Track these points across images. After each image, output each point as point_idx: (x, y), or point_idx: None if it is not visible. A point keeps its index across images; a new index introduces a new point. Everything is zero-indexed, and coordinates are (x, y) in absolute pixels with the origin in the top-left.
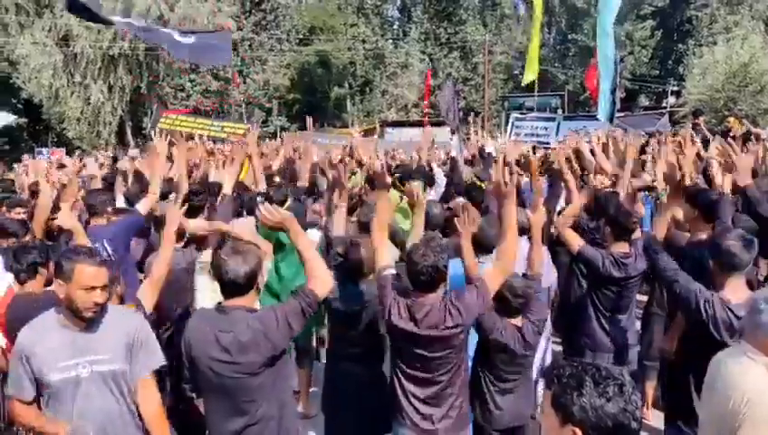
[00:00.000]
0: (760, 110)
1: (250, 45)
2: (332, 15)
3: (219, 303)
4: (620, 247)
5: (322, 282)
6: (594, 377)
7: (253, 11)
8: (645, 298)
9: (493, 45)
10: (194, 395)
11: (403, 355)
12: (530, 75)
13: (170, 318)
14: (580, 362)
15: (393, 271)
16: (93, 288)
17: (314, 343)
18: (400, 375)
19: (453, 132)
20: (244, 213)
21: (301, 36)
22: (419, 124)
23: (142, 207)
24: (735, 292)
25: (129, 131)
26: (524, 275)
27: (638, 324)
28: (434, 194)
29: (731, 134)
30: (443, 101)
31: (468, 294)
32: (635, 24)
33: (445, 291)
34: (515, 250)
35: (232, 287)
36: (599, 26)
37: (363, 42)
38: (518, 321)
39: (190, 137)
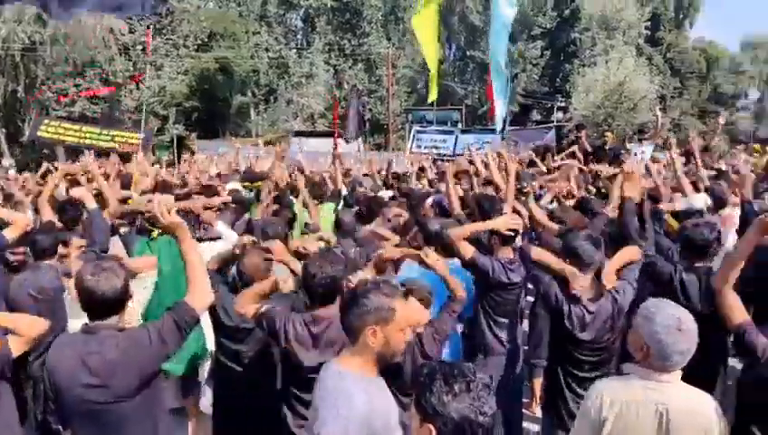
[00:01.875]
0: (634, 125)
1: (143, 49)
2: (233, 22)
3: (86, 323)
4: (506, 253)
5: (201, 295)
6: (445, 376)
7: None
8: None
9: (396, 59)
10: (60, 428)
11: (298, 378)
12: (433, 93)
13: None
14: (439, 363)
15: (268, 305)
16: None
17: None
18: (294, 401)
19: (346, 142)
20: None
21: (200, 42)
22: (326, 135)
23: (9, 232)
24: (583, 288)
25: (2, 140)
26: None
27: (525, 325)
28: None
29: (606, 147)
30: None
31: None
32: (526, 43)
33: None
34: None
35: (99, 306)
36: (490, 48)
37: (267, 50)
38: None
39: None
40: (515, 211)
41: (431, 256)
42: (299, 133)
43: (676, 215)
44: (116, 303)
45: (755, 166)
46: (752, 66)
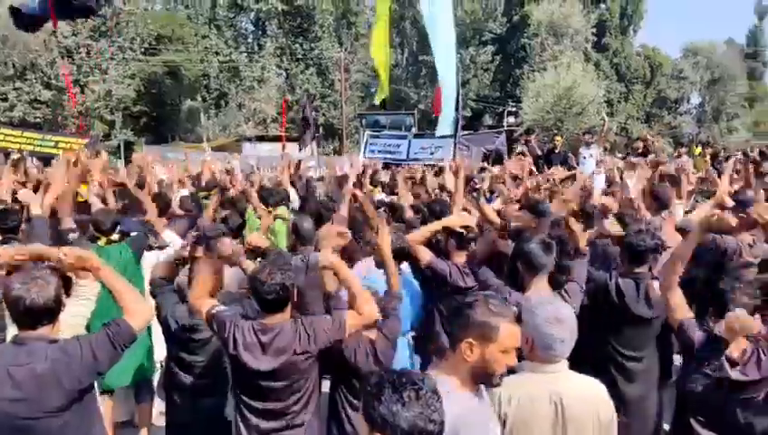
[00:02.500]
0: (582, 129)
1: (88, 53)
2: (182, 25)
3: (16, 334)
4: (461, 258)
5: (138, 314)
6: (394, 384)
7: (90, 15)
8: None
9: (349, 63)
10: None
11: (247, 386)
12: (381, 96)
13: None
14: (386, 371)
15: (221, 306)
16: None
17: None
18: (244, 409)
19: (300, 147)
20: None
21: (147, 45)
22: (279, 139)
23: None
24: (539, 291)
25: None
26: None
27: None
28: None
29: (556, 151)
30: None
31: (324, 322)
32: (478, 48)
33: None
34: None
35: (29, 317)
36: (435, 53)
37: (216, 54)
38: (372, 333)
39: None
40: (466, 211)
41: (386, 248)
42: (251, 138)
43: (621, 220)
44: (47, 313)
45: (696, 168)
46: (693, 72)
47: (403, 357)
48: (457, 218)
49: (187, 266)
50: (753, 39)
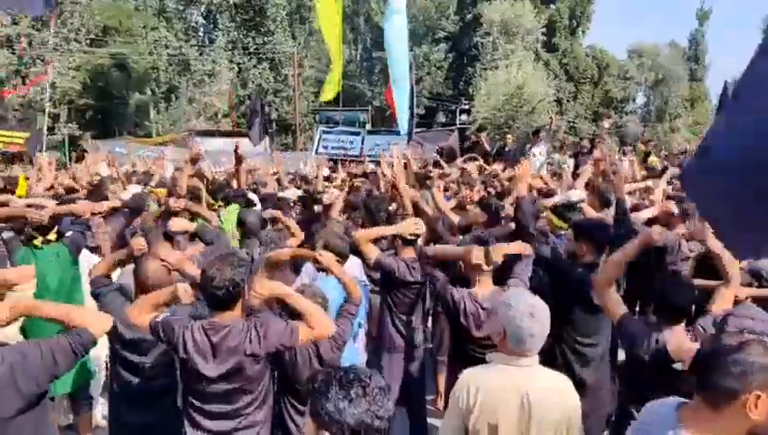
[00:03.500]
0: (533, 127)
1: (30, 43)
2: (129, 17)
3: None
4: (409, 253)
5: (98, 323)
6: (341, 381)
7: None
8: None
9: (303, 58)
10: None
11: (198, 390)
12: (329, 93)
13: None
14: (334, 368)
15: (167, 313)
16: None
17: None
18: (193, 412)
19: (253, 142)
20: None
21: (93, 36)
22: (231, 134)
23: None
24: (483, 287)
25: None
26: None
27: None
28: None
29: (506, 149)
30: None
31: (275, 323)
32: (431, 46)
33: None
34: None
35: None
36: (388, 50)
37: (166, 47)
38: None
39: None
40: (417, 210)
41: (326, 256)
42: (202, 133)
43: (555, 210)
44: None
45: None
46: (638, 73)
47: (352, 359)
48: (408, 226)
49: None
50: (694, 42)
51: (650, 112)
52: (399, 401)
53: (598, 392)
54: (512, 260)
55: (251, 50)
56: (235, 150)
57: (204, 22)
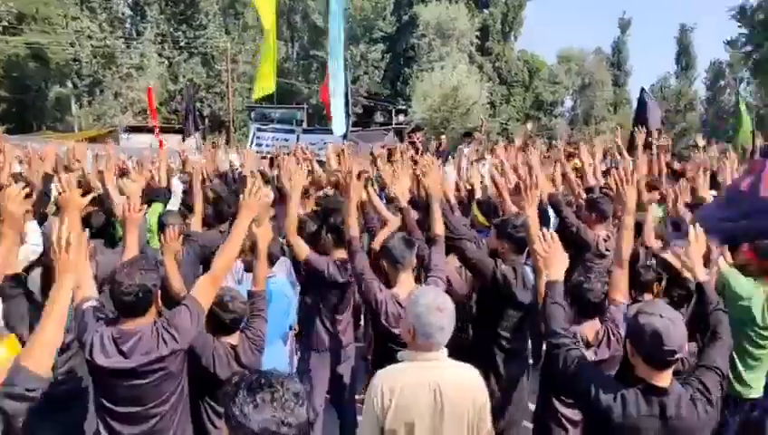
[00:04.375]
0: (467, 128)
1: None
2: (47, 4)
3: None
4: (341, 253)
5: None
6: (249, 386)
7: None
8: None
9: (237, 54)
10: None
11: (110, 392)
12: (261, 90)
13: None
14: (251, 372)
15: (95, 302)
16: None
17: None
18: (107, 417)
19: (184, 139)
20: None
21: (6, 24)
22: (161, 130)
23: None
24: (403, 286)
25: None
26: (249, 292)
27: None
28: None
29: (440, 149)
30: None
31: (180, 315)
32: (368, 46)
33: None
34: (228, 262)
35: None
36: (330, 48)
37: (89, 37)
38: (234, 338)
39: None
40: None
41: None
42: (129, 129)
43: (480, 206)
44: None
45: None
46: (566, 77)
47: (281, 359)
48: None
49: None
50: (617, 49)
51: (578, 115)
52: (330, 400)
53: (517, 387)
54: (429, 257)
55: (182, 44)
56: (160, 145)
57: (131, 13)
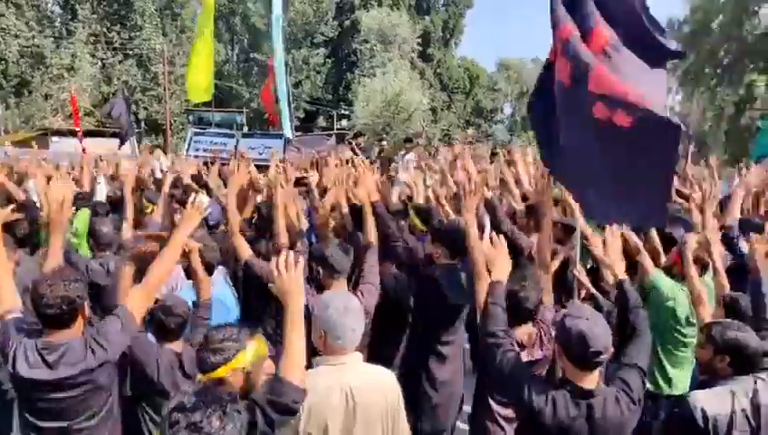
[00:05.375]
0: (409, 134)
1: None
2: None
3: None
4: None
5: None
6: (169, 417)
7: None
8: None
9: (174, 56)
10: None
11: (34, 406)
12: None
13: None
14: (191, 393)
15: (18, 314)
16: None
17: None
18: (31, 433)
19: (121, 143)
20: None
21: None
22: (94, 134)
23: None
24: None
25: None
26: (194, 302)
27: None
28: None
29: (381, 154)
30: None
31: (111, 325)
32: (310, 50)
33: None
34: (164, 272)
35: None
36: (274, 52)
37: (16, 36)
38: (178, 346)
39: None
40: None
41: (191, 242)
42: (60, 132)
43: (419, 212)
44: None
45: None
46: (505, 85)
47: None
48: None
49: None
50: None
51: (516, 122)
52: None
53: (452, 386)
54: (361, 264)
55: (116, 45)
56: (83, 151)
57: (61, 12)
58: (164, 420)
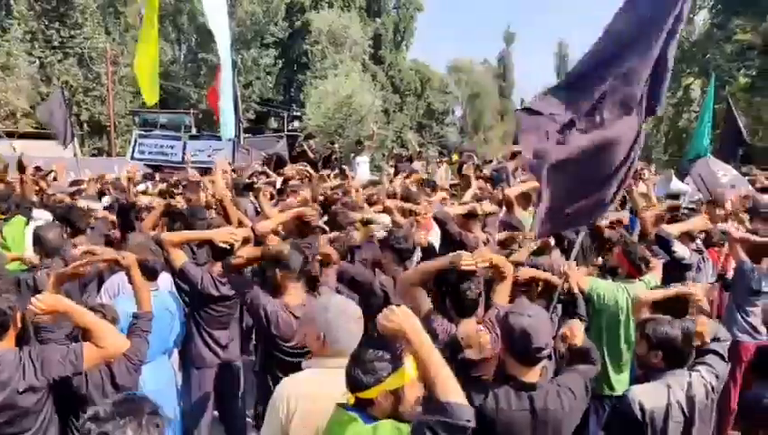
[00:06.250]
0: (361, 136)
1: None
2: None
3: None
4: (216, 267)
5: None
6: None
7: None
8: None
9: (118, 56)
10: None
11: None
12: (152, 95)
13: None
14: (115, 401)
15: None
16: None
17: None
18: None
19: (64, 145)
20: None
21: None
22: (32, 136)
23: None
24: (292, 295)
25: None
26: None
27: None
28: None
29: (334, 157)
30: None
31: (56, 350)
32: (260, 51)
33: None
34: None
35: None
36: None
37: None
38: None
39: None
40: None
41: (128, 257)
42: None
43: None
44: None
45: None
46: (456, 87)
47: (164, 376)
48: (223, 235)
49: None
50: (502, 61)
51: (467, 124)
52: (220, 417)
53: None
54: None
55: (55, 43)
56: (19, 159)
57: None
58: (80, 431)
